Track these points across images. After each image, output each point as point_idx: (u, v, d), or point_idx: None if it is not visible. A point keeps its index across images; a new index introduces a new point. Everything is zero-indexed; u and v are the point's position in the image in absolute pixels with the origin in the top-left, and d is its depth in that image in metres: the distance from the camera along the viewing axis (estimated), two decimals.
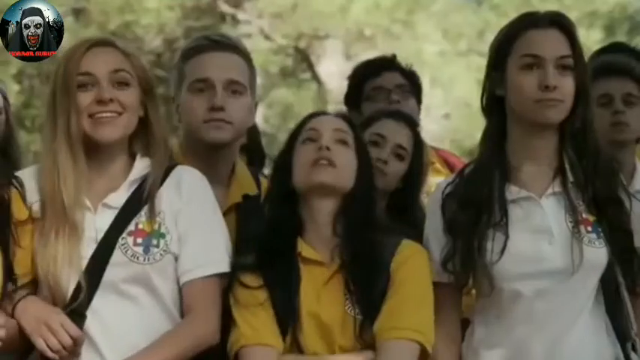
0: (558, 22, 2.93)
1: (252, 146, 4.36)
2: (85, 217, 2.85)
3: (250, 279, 2.95)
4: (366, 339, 2.89)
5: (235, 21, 12.51)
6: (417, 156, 3.59)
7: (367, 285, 2.92)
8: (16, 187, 2.86)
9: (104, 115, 2.85)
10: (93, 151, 2.88)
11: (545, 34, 2.91)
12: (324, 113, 3.14)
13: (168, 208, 2.89)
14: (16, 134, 3.91)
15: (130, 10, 12.03)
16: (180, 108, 3.30)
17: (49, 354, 2.75)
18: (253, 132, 4.27)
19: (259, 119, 4.32)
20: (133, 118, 2.90)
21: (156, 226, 2.86)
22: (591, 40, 10.40)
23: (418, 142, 3.61)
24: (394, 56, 4.21)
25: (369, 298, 2.91)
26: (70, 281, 2.81)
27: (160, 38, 12.26)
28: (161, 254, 2.86)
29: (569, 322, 2.88)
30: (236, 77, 3.25)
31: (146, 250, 2.84)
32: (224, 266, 2.92)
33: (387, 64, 4.17)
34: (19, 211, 2.85)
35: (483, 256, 2.88)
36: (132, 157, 2.95)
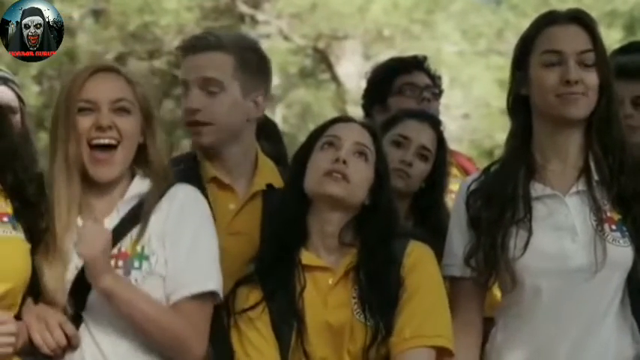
0: (578, 18, 2.93)
1: (276, 151, 4.29)
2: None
3: (248, 291, 2.95)
4: (372, 352, 2.88)
5: (254, 21, 12.52)
6: (441, 156, 3.58)
7: (381, 301, 2.91)
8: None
9: (102, 141, 2.85)
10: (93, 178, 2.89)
11: (566, 30, 2.92)
12: (349, 120, 3.10)
13: (155, 229, 2.86)
14: (32, 134, 3.91)
15: (149, 11, 12.06)
16: None
17: (44, 350, 2.80)
18: (275, 138, 4.22)
19: (278, 120, 4.29)
20: (131, 148, 2.90)
21: (139, 249, 2.84)
22: (611, 39, 10.37)
23: (442, 142, 3.59)
24: (425, 58, 4.22)
25: (382, 311, 2.90)
26: (56, 302, 2.84)
27: (179, 39, 12.25)
28: (144, 276, 2.83)
29: (592, 322, 2.87)
30: (209, 74, 3.21)
31: (127, 273, 2.83)
32: (210, 284, 2.86)
33: (418, 63, 4.18)
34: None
35: (506, 253, 2.88)
36: (133, 177, 2.95)
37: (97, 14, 12.33)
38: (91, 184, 2.89)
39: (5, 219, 2.81)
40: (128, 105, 2.89)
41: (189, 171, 3.22)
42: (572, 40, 2.90)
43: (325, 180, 2.95)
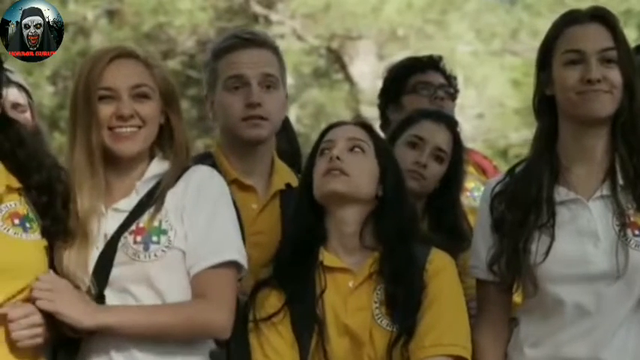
0: (600, 16, 2.92)
1: (290, 152, 4.28)
2: (98, 223, 2.87)
3: (268, 294, 2.97)
4: (395, 355, 2.90)
5: (268, 22, 12.52)
6: (457, 157, 3.55)
7: (404, 303, 2.92)
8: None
9: (124, 130, 2.87)
10: (113, 157, 2.89)
11: (587, 29, 2.90)
12: (341, 123, 3.15)
13: (172, 205, 2.86)
14: (44, 131, 3.91)
15: (164, 12, 12.08)
16: (216, 106, 3.33)
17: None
18: (292, 141, 4.22)
19: (291, 120, 4.29)
20: (153, 130, 2.91)
21: (156, 223, 2.84)
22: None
23: (458, 143, 3.57)
24: (440, 57, 4.21)
25: (405, 315, 2.91)
26: (81, 284, 2.83)
27: (193, 39, 12.29)
28: (163, 250, 2.83)
29: (613, 326, 2.86)
30: (270, 71, 3.28)
31: (146, 248, 2.82)
32: (230, 254, 2.86)
33: (433, 63, 4.16)
34: None
35: (527, 257, 2.87)
36: (152, 159, 2.96)
37: (111, 15, 12.35)
38: (111, 166, 2.90)
39: (16, 221, 2.82)
40: (148, 90, 2.89)
41: None
42: (593, 38, 2.88)
43: (325, 179, 2.99)
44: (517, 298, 3.06)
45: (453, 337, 2.90)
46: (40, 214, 2.83)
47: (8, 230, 2.79)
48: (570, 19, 2.93)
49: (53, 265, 2.84)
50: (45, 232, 2.83)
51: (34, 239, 2.82)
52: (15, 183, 2.85)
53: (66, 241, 2.84)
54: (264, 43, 3.31)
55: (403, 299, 2.92)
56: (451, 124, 3.60)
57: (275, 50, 3.34)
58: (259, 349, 2.93)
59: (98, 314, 2.77)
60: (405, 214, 3.03)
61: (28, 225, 2.82)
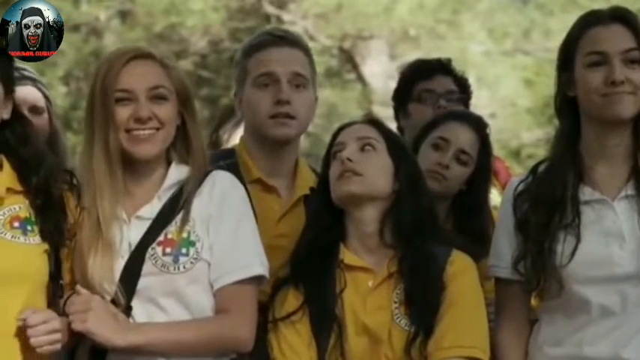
0: (621, 16, 2.90)
1: None
2: (120, 230, 2.86)
3: (286, 294, 2.98)
4: (414, 353, 2.90)
5: (280, 22, 12.51)
6: (484, 159, 3.51)
7: (423, 301, 2.92)
8: (71, 189, 2.90)
9: (142, 132, 2.85)
10: (131, 161, 2.88)
11: (609, 30, 2.89)
12: (351, 123, 3.14)
13: (199, 215, 2.86)
14: (61, 134, 3.92)
15: (176, 12, 12.09)
16: (244, 104, 3.32)
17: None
18: None
19: None
20: (171, 131, 2.90)
21: (185, 235, 2.84)
22: None
23: (486, 144, 3.52)
24: (449, 60, 4.13)
25: (424, 314, 2.91)
26: (104, 293, 2.83)
27: (205, 40, 12.30)
28: (191, 262, 2.83)
29: (637, 326, 2.86)
30: (300, 70, 3.26)
31: (175, 260, 2.83)
32: (255, 270, 2.87)
33: (440, 67, 4.09)
34: (71, 215, 2.89)
35: (553, 259, 2.86)
36: (170, 164, 2.95)
37: (123, 15, 12.37)
38: (129, 171, 2.89)
39: (16, 224, 2.81)
40: (165, 92, 2.88)
41: (231, 169, 3.19)
42: (615, 39, 2.87)
43: (339, 183, 2.99)
44: (533, 301, 3.06)
45: (473, 339, 2.90)
46: (37, 216, 2.82)
47: (6, 234, 2.79)
48: (591, 20, 2.92)
49: (59, 269, 2.83)
50: (44, 236, 2.81)
51: (33, 243, 2.81)
52: (17, 185, 2.84)
53: (65, 246, 2.82)
54: (296, 43, 3.30)
55: (421, 296, 2.92)
56: (478, 126, 3.55)
57: (307, 51, 3.32)
58: (277, 347, 2.94)
59: (128, 334, 2.77)
60: (421, 206, 3.02)
61: (29, 228, 2.82)
